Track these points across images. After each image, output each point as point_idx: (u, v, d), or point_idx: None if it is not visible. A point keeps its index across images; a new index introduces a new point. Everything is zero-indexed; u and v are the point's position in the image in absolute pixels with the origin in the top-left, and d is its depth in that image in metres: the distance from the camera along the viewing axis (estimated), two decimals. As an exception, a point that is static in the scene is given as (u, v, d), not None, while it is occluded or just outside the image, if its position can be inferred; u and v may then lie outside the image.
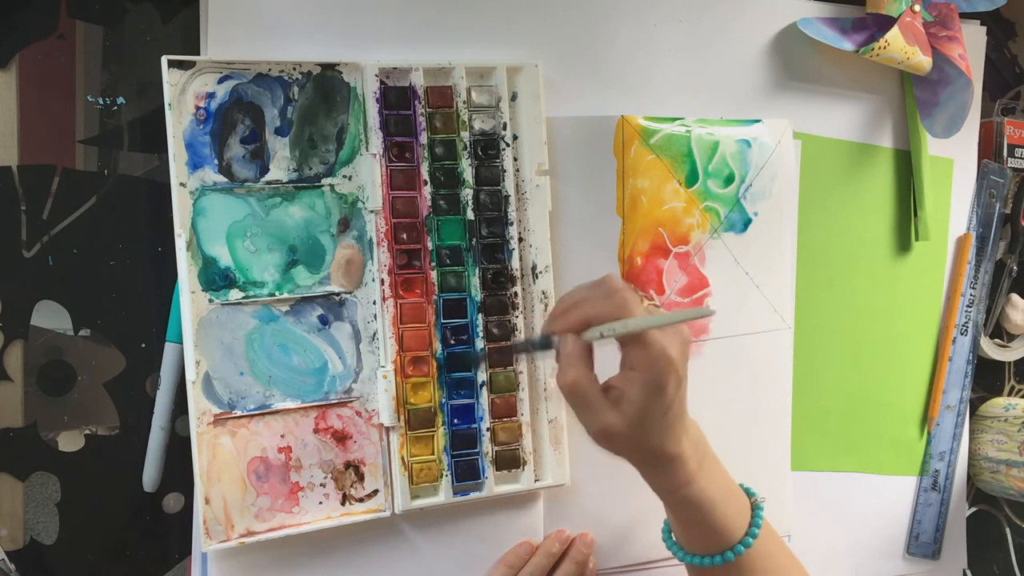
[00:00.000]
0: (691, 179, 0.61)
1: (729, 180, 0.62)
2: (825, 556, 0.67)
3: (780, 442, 0.65)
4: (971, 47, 0.68)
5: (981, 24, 0.71)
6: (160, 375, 0.54)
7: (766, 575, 0.52)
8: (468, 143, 0.56)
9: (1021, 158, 0.73)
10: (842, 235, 0.67)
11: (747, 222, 0.63)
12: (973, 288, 0.72)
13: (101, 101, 0.53)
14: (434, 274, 0.56)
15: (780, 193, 0.64)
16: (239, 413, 0.52)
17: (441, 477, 0.56)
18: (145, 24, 0.54)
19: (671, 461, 0.48)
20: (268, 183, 0.53)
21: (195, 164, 0.52)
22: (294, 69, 0.53)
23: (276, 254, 0.53)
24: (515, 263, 0.57)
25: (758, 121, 0.63)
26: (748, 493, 0.53)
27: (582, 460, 0.59)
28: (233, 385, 0.52)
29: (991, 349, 0.73)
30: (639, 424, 0.45)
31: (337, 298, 0.54)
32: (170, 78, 0.51)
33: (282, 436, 0.53)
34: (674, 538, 0.55)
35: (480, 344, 0.56)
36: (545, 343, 0.47)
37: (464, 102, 0.56)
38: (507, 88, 0.57)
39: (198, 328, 0.51)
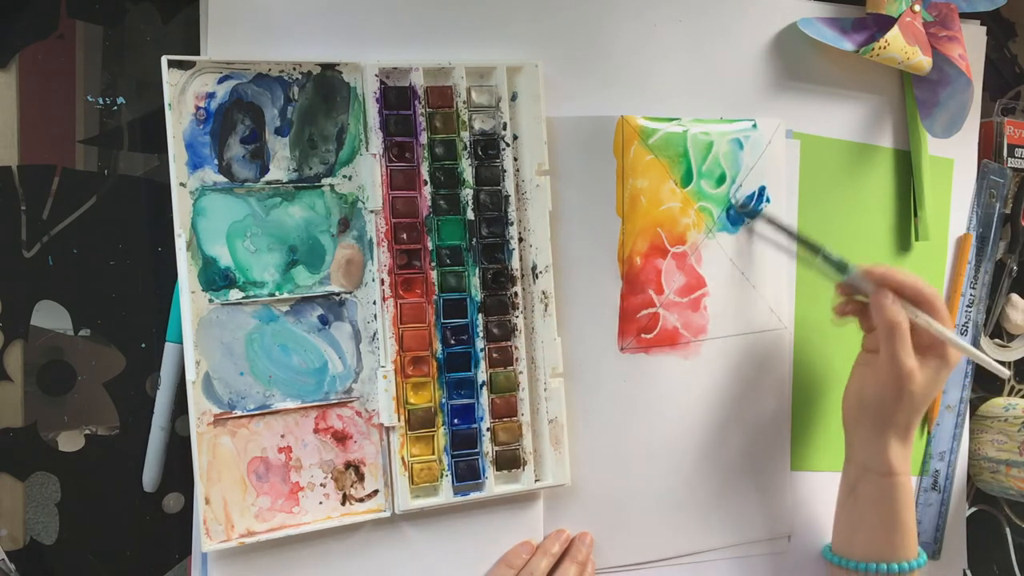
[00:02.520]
0: (686, 179, 0.61)
1: (721, 180, 0.62)
2: (825, 556, 0.67)
3: (780, 442, 0.65)
4: (971, 47, 0.68)
5: (981, 24, 0.71)
6: (160, 375, 0.54)
7: None
8: (468, 143, 0.56)
9: (1021, 158, 0.73)
10: (842, 235, 0.67)
11: (738, 222, 0.63)
12: (973, 288, 0.72)
13: (101, 101, 0.53)
14: (434, 274, 0.56)
15: (773, 193, 0.64)
16: (239, 413, 0.52)
17: (441, 477, 0.56)
18: (145, 24, 0.54)
19: (910, 441, 0.57)
20: (268, 183, 0.53)
21: (195, 164, 0.52)
22: (294, 69, 0.53)
23: (276, 254, 0.53)
24: (515, 263, 0.57)
25: (752, 120, 0.63)
26: None
27: (582, 460, 0.59)
28: (233, 385, 0.52)
29: (991, 349, 0.73)
30: (926, 386, 0.55)
31: (337, 298, 0.54)
32: (170, 78, 0.51)
33: (282, 436, 0.53)
34: (843, 551, 0.59)
35: (480, 344, 0.56)
36: (841, 266, 0.57)
37: (464, 102, 0.56)
38: (507, 88, 0.57)
39: (198, 328, 0.51)
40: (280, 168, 0.53)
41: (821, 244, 0.59)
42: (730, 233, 0.62)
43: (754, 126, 0.63)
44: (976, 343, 0.72)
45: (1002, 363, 0.74)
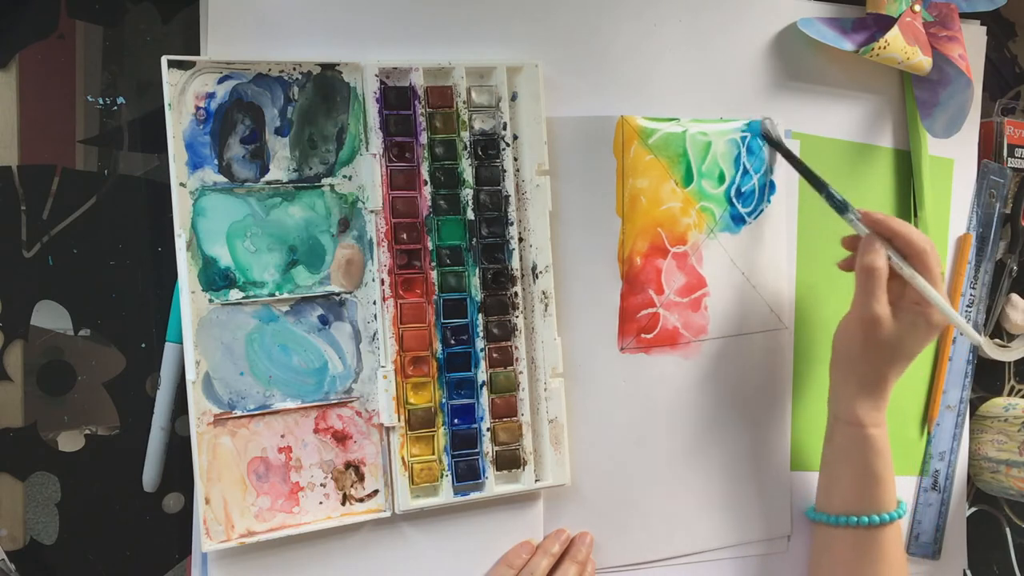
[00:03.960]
0: (687, 179, 0.61)
1: (721, 179, 0.62)
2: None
3: (780, 442, 0.65)
4: (971, 47, 0.68)
5: (981, 24, 0.71)
6: (160, 375, 0.54)
7: (898, 552, 0.57)
8: (468, 143, 0.56)
9: (1021, 158, 0.73)
10: (842, 235, 0.67)
11: (740, 222, 0.63)
12: (973, 288, 0.72)
13: (101, 101, 0.53)
14: (434, 274, 0.56)
15: (772, 193, 0.64)
16: (239, 413, 0.52)
17: (441, 477, 0.56)
18: (145, 24, 0.54)
19: (883, 394, 0.57)
20: (268, 183, 0.53)
21: (195, 164, 0.52)
22: (294, 69, 0.53)
23: (276, 254, 0.53)
24: (515, 263, 0.57)
25: (751, 120, 0.63)
26: None
27: (582, 460, 0.59)
28: (233, 385, 0.52)
29: (991, 349, 0.73)
30: (896, 339, 0.55)
31: (337, 298, 0.54)
32: (170, 78, 0.51)
33: (282, 436, 0.53)
34: (821, 506, 0.60)
35: (480, 344, 0.56)
36: (843, 206, 0.57)
37: (464, 102, 0.56)
38: (507, 88, 0.57)
39: (198, 328, 0.51)
40: (280, 168, 0.53)
41: (826, 181, 0.59)
42: (731, 233, 0.62)
43: (752, 124, 0.63)
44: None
45: (1002, 363, 0.74)
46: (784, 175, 0.64)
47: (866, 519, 0.56)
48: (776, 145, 0.63)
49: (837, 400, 0.58)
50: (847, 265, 0.61)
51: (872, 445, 0.56)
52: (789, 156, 0.62)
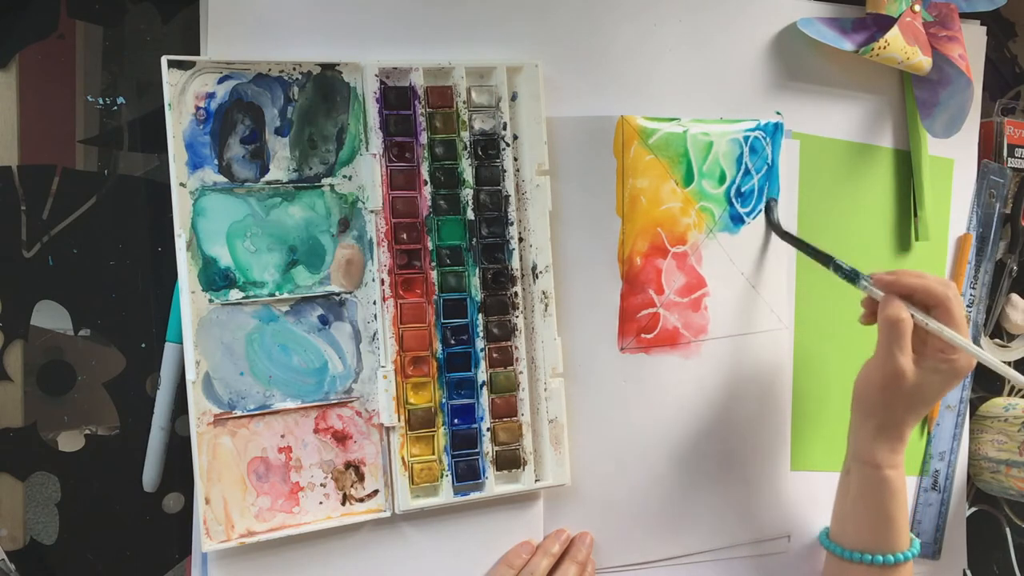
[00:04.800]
0: (687, 179, 0.61)
1: (722, 180, 0.62)
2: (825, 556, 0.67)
3: (780, 442, 0.65)
4: (971, 47, 0.68)
5: (981, 24, 0.71)
6: (160, 375, 0.54)
7: None
8: (468, 143, 0.56)
9: (1021, 158, 0.73)
10: (842, 235, 0.67)
11: (739, 222, 0.63)
12: (973, 288, 0.72)
13: (101, 101, 0.53)
14: (434, 274, 0.56)
15: (770, 192, 0.64)
16: (239, 413, 0.52)
17: (441, 477, 0.56)
18: (145, 24, 0.54)
19: (902, 437, 0.56)
20: (268, 183, 0.53)
21: (195, 164, 0.52)
22: (294, 69, 0.53)
23: (276, 254, 0.53)
24: (515, 263, 0.57)
25: (752, 120, 0.63)
26: None
27: (582, 460, 0.59)
28: (233, 385, 0.52)
29: (991, 349, 0.73)
30: (918, 389, 0.54)
31: (337, 298, 0.54)
32: (170, 78, 0.51)
33: (282, 436, 0.53)
34: (836, 538, 0.59)
35: (480, 344, 0.56)
36: (854, 275, 0.57)
37: (464, 102, 0.56)
38: (507, 88, 0.57)
39: (198, 328, 0.51)
40: (280, 168, 0.53)
41: (832, 254, 0.58)
42: (731, 233, 0.62)
43: (753, 125, 0.63)
44: (976, 343, 0.72)
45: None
46: (785, 176, 0.64)
47: (880, 558, 0.56)
48: (776, 228, 0.62)
49: (856, 440, 0.58)
50: (868, 320, 0.59)
51: (888, 487, 0.56)
52: (788, 237, 0.62)
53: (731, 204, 0.62)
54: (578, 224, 0.59)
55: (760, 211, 0.63)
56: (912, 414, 0.56)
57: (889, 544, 0.56)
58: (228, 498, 0.52)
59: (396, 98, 0.55)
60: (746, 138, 0.62)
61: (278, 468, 0.53)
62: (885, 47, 0.63)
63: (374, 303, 0.55)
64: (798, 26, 0.64)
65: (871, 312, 0.58)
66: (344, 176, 0.54)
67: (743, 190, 0.62)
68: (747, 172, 0.62)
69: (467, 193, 0.56)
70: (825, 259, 0.59)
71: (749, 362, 0.64)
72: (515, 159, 0.57)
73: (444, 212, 0.56)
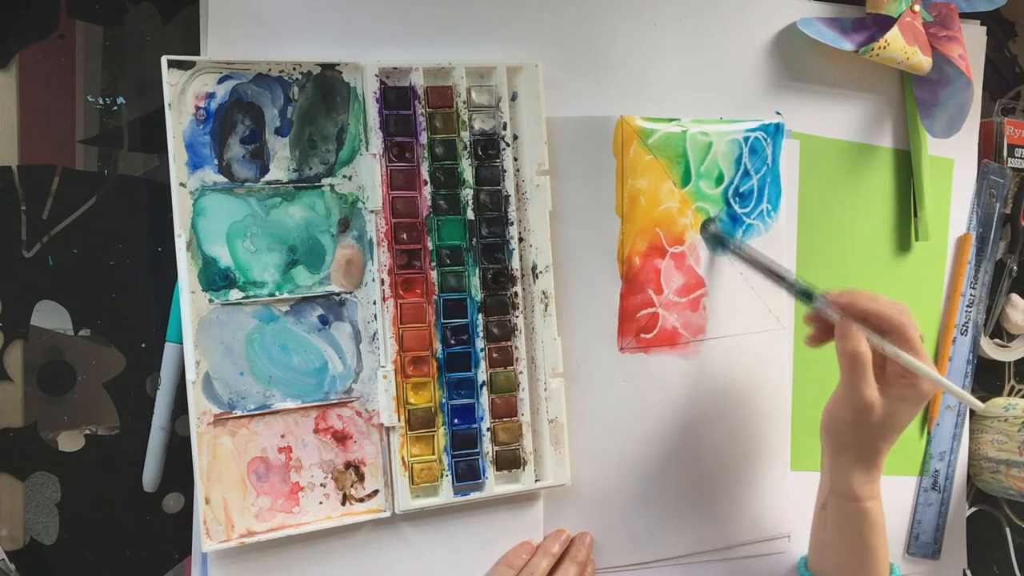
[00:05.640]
0: (684, 179, 0.61)
1: (719, 180, 0.62)
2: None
3: (780, 442, 0.65)
4: (971, 47, 0.68)
5: (981, 24, 0.71)
6: (160, 375, 0.54)
7: None
8: (468, 143, 0.56)
9: (1021, 158, 0.73)
10: (842, 235, 0.67)
11: (738, 223, 0.63)
12: (973, 288, 0.72)
13: (101, 101, 0.53)
14: (434, 274, 0.56)
15: (772, 193, 0.64)
16: (239, 413, 0.52)
17: (441, 477, 0.56)
18: (145, 24, 0.54)
19: (877, 465, 0.55)
20: (268, 183, 0.53)
21: (195, 164, 0.52)
22: (294, 69, 0.53)
23: (276, 254, 0.53)
24: (515, 263, 0.57)
25: (752, 121, 0.63)
26: None
27: (582, 460, 0.59)
28: (233, 385, 0.52)
29: (991, 349, 0.73)
30: (887, 417, 0.53)
31: (337, 298, 0.54)
32: (170, 78, 0.51)
33: (282, 436, 0.53)
34: (816, 570, 0.59)
35: (480, 344, 0.56)
36: (807, 295, 0.55)
37: (464, 102, 0.56)
38: (507, 88, 0.57)
39: (198, 328, 0.51)
40: (280, 168, 0.53)
41: (786, 272, 0.57)
42: (728, 234, 0.62)
43: (753, 125, 0.63)
44: (976, 343, 0.72)
45: (1002, 363, 0.74)
46: (785, 176, 0.64)
47: None
48: (724, 246, 0.61)
49: (831, 475, 0.56)
50: (814, 341, 0.57)
51: (867, 518, 0.55)
52: (742, 255, 0.60)
53: (729, 205, 0.62)
54: (578, 224, 0.59)
55: (761, 211, 0.63)
56: (886, 442, 0.55)
57: (871, 574, 0.56)
58: (228, 498, 0.52)
59: (396, 98, 0.55)
60: (746, 138, 0.62)
61: (278, 468, 0.53)
62: (885, 47, 0.63)
63: (374, 303, 0.55)
64: (798, 26, 0.64)
65: (819, 332, 0.57)
66: (344, 176, 0.54)
67: (742, 191, 0.62)
68: (746, 173, 0.62)
69: (467, 193, 0.56)
70: (778, 277, 0.57)
71: (748, 362, 0.64)
72: (515, 159, 0.57)
73: (444, 212, 0.56)
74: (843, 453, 0.55)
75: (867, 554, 0.55)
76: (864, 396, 0.52)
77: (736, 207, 0.62)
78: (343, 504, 0.54)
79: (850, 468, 0.55)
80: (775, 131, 0.63)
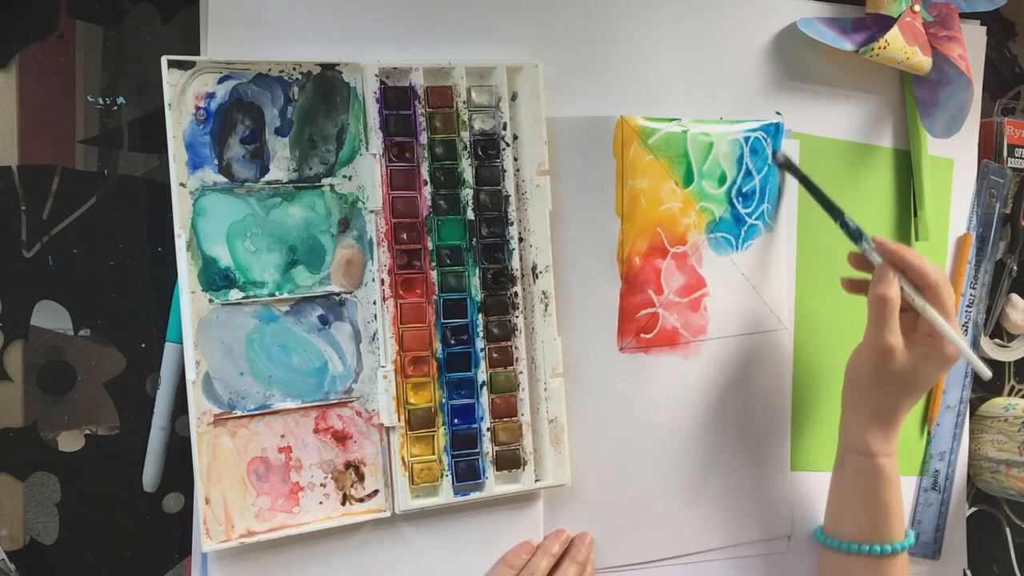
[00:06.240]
0: (687, 179, 0.61)
1: (722, 180, 0.62)
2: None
3: (780, 442, 0.65)
4: (971, 47, 0.68)
5: (981, 24, 0.71)
6: (160, 375, 0.54)
7: None
8: (468, 143, 0.56)
9: (1021, 158, 0.73)
10: (842, 235, 0.67)
11: (742, 222, 0.63)
12: (973, 288, 0.72)
13: (101, 101, 0.53)
14: (434, 274, 0.56)
15: (772, 193, 0.64)
16: (239, 413, 0.52)
17: (441, 477, 0.56)
18: (145, 24, 0.54)
19: (895, 424, 0.57)
20: (268, 183, 0.53)
21: (195, 164, 0.52)
22: (294, 69, 0.53)
23: (276, 254, 0.53)
24: (515, 263, 0.57)
25: (753, 121, 0.63)
26: None
27: (582, 460, 0.59)
28: (233, 385, 0.52)
29: (991, 349, 0.73)
30: (908, 370, 0.55)
31: (337, 298, 0.54)
32: (170, 78, 0.51)
33: (282, 436, 0.53)
34: (832, 532, 0.59)
35: (480, 344, 0.56)
36: (858, 234, 0.57)
37: (464, 102, 0.56)
38: (507, 88, 0.57)
39: (198, 328, 0.51)
40: (280, 168, 0.53)
41: (842, 208, 0.59)
42: (731, 234, 0.62)
43: (754, 125, 0.63)
44: (976, 343, 0.72)
45: (1002, 363, 0.74)
46: (786, 176, 0.64)
47: (878, 548, 0.56)
48: (793, 171, 0.63)
49: (849, 429, 0.58)
50: (853, 287, 0.61)
51: (883, 474, 0.56)
52: (805, 181, 0.62)
53: (732, 205, 0.62)
54: (578, 224, 0.59)
55: (762, 211, 0.63)
56: (904, 400, 0.56)
57: (886, 534, 0.57)
58: (228, 498, 0.52)
59: (396, 98, 0.55)
60: (746, 138, 0.62)
61: (278, 468, 0.53)
62: (885, 47, 0.63)
63: (374, 303, 0.55)
64: (798, 26, 0.64)
65: (857, 274, 0.59)
66: (344, 176, 0.54)
67: (745, 190, 0.62)
68: (748, 173, 0.62)
69: (467, 193, 0.56)
70: (835, 212, 0.59)
71: (749, 362, 0.64)
72: (515, 159, 0.57)
73: (444, 212, 0.56)
74: (862, 404, 0.57)
75: (882, 512, 0.56)
76: (886, 339, 0.54)
77: (739, 207, 0.62)
78: (343, 504, 0.54)
79: (868, 422, 0.56)
80: (775, 131, 0.63)
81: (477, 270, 0.56)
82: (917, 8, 0.65)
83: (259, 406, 0.53)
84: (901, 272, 0.56)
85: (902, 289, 0.55)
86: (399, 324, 0.55)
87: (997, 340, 0.74)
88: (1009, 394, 0.75)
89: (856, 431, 0.57)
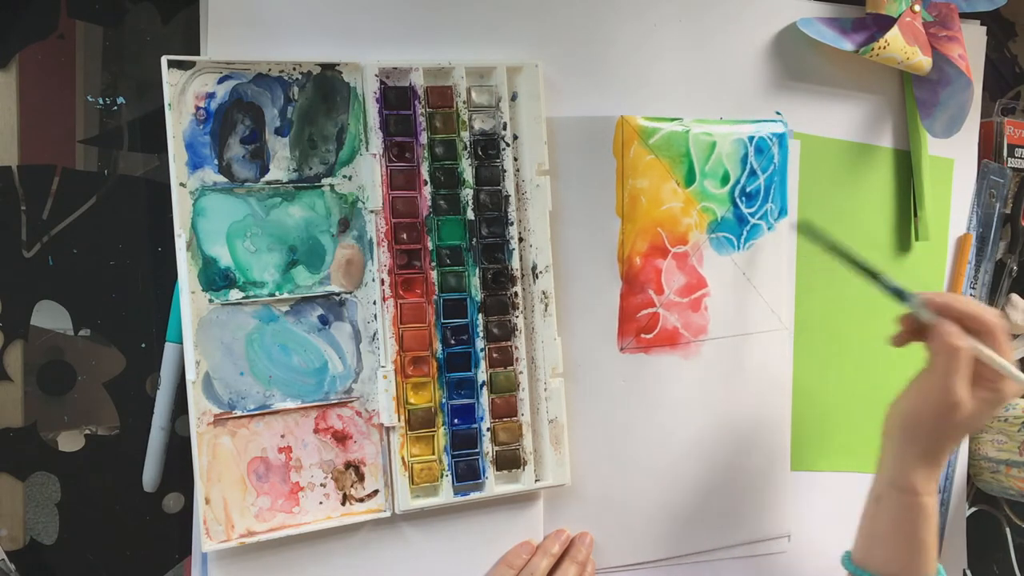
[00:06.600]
0: (689, 179, 0.61)
1: (725, 180, 0.62)
2: (825, 556, 0.67)
3: (780, 442, 0.65)
4: (971, 47, 0.68)
5: (981, 24, 0.71)
6: (160, 375, 0.54)
7: None
8: (468, 143, 0.56)
9: (1021, 158, 0.73)
10: (842, 235, 0.67)
11: (744, 223, 0.63)
12: (973, 288, 0.72)
13: (101, 101, 0.53)
14: (434, 274, 0.56)
15: (776, 193, 0.64)
16: (239, 413, 0.52)
17: (441, 477, 0.56)
18: (145, 24, 0.54)
19: (941, 463, 0.55)
20: (268, 183, 0.53)
21: (195, 164, 0.52)
22: (294, 69, 0.53)
23: (276, 254, 0.53)
24: (515, 263, 0.57)
25: (756, 121, 0.63)
26: None
27: (582, 460, 0.59)
28: (233, 385, 0.52)
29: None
30: (972, 419, 0.53)
31: (337, 298, 0.54)
32: (170, 78, 0.51)
33: (282, 436, 0.53)
34: (860, 560, 0.58)
35: (480, 344, 0.56)
36: (901, 294, 0.55)
37: (464, 102, 0.56)
38: (507, 88, 0.57)
39: (198, 328, 0.51)
40: (280, 168, 0.53)
41: (880, 270, 0.56)
42: (732, 234, 0.62)
43: (757, 125, 0.63)
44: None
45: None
46: (779, 176, 0.64)
47: None
48: (820, 239, 0.60)
49: (891, 465, 0.56)
50: (900, 341, 0.57)
51: (923, 513, 0.55)
52: (835, 248, 0.59)
53: (736, 205, 0.62)
54: (578, 224, 0.59)
55: (765, 211, 0.63)
56: (955, 442, 0.55)
57: (919, 570, 0.55)
58: (228, 498, 0.52)
59: (396, 98, 0.55)
60: (751, 138, 0.62)
61: (278, 468, 0.53)
62: (885, 47, 0.63)
63: (374, 303, 0.55)
64: (798, 26, 0.64)
65: (909, 331, 0.56)
66: (344, 176, 0.54)
67: (749, 190, 0.62)
68: (752, 172, 0.62)
69: (467, 193, 0.56)
70: (873, 275, 0.57)
71: (749, 362, 0.64)
72: (515, 159, 0.57)
73: (444, 212, 0.56)
74: (911, 447, 0.55)
75: (918, 549, 0.55)
76: (956, 393, 0.52)
77: (743, 207, 0.62)
78: (343, 504, 0.54)
79: (914, 463, 0.55)
80: (779, 133, 0.63)
81: (477, 270, 0.56)
82: (917, 8, 0.65)
83: (259, 406, 0.53)
84: (956, 322, 0.53)
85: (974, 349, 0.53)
86: (399, 324, 0.55)
87: (997, 340, 0.74)
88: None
89: (900, 469, 0.55)
